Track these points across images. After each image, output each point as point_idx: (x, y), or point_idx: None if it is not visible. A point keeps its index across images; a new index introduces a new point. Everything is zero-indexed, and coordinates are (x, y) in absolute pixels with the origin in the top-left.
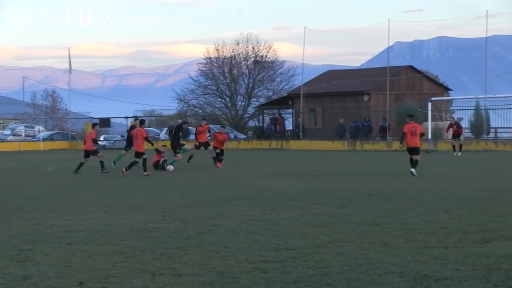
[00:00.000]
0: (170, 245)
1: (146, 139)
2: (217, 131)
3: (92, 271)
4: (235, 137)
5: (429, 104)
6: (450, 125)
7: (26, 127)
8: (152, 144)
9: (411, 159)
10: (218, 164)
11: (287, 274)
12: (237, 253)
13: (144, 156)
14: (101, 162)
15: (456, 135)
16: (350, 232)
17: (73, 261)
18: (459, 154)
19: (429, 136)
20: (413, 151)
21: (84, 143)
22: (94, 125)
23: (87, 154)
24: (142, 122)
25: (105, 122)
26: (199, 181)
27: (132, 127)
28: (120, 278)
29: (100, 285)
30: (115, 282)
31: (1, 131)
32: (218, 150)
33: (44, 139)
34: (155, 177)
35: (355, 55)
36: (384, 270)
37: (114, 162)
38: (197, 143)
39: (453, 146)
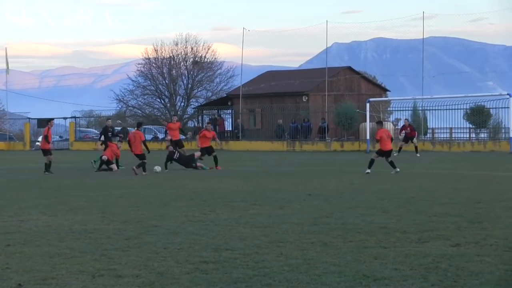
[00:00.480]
0: (110, 246)
1: (144, 142)
2: (206, 128)
3: (31, 273)
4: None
5: (368, 105)
6: (404, 128)
7: None
8: (149, 151)
9: (381, 160)
10: (218, 167)
11: (227, 275)
12: (177, 254)
13: (145, 160)
14: (47, 164)
15: (409, 137)
16: (289, 233)
17: (11, 262)
18: (418, 155)
19: (368, 137)
20: (388, 153)
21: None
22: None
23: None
24: (139, 125)
25: (43, 123)
26: (139, 182)
27: (106, 127)
28: (59, 279)
29: (39, 287)
30: (54, 283)
31: None
32: (215, 153)
33: None
34: (94, 178)
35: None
36: (323, 270)
37: (94, 161)
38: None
39: (400, 148)
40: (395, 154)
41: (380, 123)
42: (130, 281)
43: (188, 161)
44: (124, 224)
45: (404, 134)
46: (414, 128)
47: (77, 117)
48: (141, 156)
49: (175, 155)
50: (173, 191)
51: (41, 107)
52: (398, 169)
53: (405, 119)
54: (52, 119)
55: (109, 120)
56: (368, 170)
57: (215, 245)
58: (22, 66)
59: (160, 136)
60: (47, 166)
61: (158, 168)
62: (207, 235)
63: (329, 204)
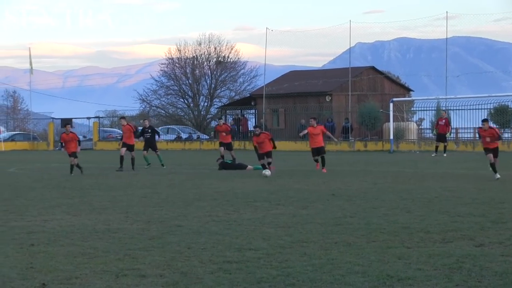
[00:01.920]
0: (133, 246)
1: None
2: (218, 123)
3: (54, 272)
4: (198, 137)
5: (391, 105)
6: (440, 119)
7: None
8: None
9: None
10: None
11: (251, 275)
12: (200, 253)
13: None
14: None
15: (443, 134)
16: (313, 233)
17: (35, 262)
18: (445, 155)
19: (391, 137)
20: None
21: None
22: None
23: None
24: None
25: (67, 123)
26: (162, 182)
27: (144, 128)
28: (83, 279)
29: (63, 286)
30: (78, 283)
31: None
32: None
33: (5, 140)
34: (118, 178)
35: (317, 56)
36: (347, 270)
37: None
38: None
39: (436, 147)
40: (432, 155)
41: (485, 121)
42: (153, 281)
43: (238, 167)
44: (147, 224)
45: (436, 131)
46: (449, 122)
47: (101, 117)
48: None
49: (222, 164)
50: (196, 191)
51: (64, 107)
52: (499, 175)
53: (443, 110)
54: (68, 123)
55: (146, 121)
56: (498, 175)
57: (238, 245)
58: (46, 66)
59: (184, 136)
60: (73, 168)
61: (267, 172)
62: (230, 235)
63: (353, 204)
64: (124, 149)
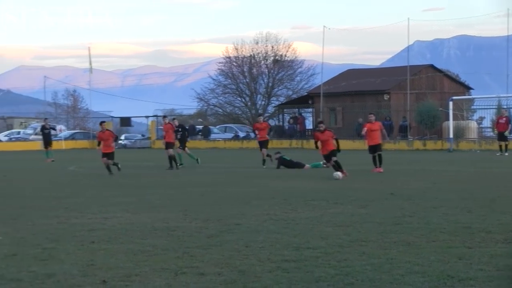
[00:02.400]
0: (192, 244)
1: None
2: (258, 120)
3: (115, 270)
4: (256, 136)
5: (450, 103)
6: (500, 117)
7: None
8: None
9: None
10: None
11: (309, 274)
12: (258, 252)
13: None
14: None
15: (502, 132)
16: (372, 232)
17: (96, 259)
18: (507, 154)
19: (451, 136)
20: None
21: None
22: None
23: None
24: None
25: (126, 122)
26: (220, 180)
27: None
28: (142, 276)
29: (123, 283)
30: (138, 280)
31: (23, 130)
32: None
33: (65, 138)
34: (176, 176)
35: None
36: (406, 270)
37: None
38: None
39: (500, 146)
40: (497, 154)
41: None
42: (212, 279)
43: (296, 165)
44: (205, 222)
45: (497, 130)
46: (510, 121)
47: (159, 116)
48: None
49: (280, 160)
50: (254, 189)
51: (123, 105)
52: None
53: (504, 108)
54: (104, 121)
55: (176, 120)
56: None
57: (296, 244)
58: (105, 66)
59: (241, 134)
60: (110, 168)
61: (338, 175)
62: (288, 234)
63: (412, 203)
64: (171, 150)
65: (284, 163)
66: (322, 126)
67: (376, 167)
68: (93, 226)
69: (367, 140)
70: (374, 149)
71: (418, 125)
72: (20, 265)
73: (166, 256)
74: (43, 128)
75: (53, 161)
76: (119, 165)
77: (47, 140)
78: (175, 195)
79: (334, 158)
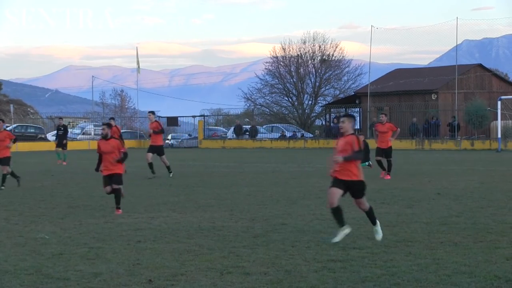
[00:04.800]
0: (238, 244)
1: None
2: (379, 120)
3: (161, 269)
4: (302, 136)
5: (499, 103)
6: None
7: (95, 126)
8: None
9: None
10: (387, 175)
11: (355, 274)
12: (304, 252)
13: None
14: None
15: None
16: (418, 232)
17: (142, 259)
18: None
19: (499, 135)
20: None
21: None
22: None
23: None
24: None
25: (172, 121)
26: (266, 180)
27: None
28: (188, 276)
29: (169, 283)
30: (184, 280)
31: (71, 130)
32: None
33: None
34: (223, 176)
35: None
36: (453, 270)
37: None
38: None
39: None
40: None
41: None
42: (258, 279)
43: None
44: (252, 222)
45: None
46: None
47: (206, 116)
48: None
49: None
50: (300, 189)
51: (170, 105)
52: None
53: None
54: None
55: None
56: None
57: (342, 244)
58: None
59: (288, 134)
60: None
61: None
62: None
63: (459, 203)
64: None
65: (365, 148)
66: (383, 117)
67: (383, 172)
68: (139, 225)
69: (377, 142)
70: (382, 153)
71: (466, 124)
72: (67, 264)
73: (212, 256)
74: (58, 128)
75: (64, 164)
76: (19, 181)
77: (61, 140)
78: (222, 195)
79: (389, 159)
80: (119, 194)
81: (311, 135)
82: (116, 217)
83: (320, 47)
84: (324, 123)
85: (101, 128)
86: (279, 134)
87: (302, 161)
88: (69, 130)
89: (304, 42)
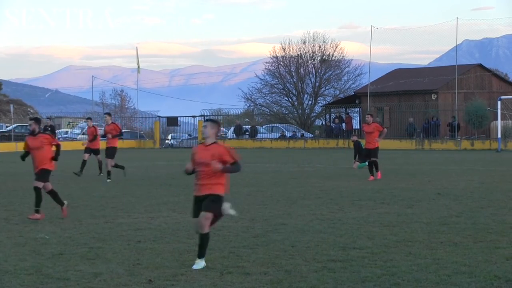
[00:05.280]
0: (238, 244)
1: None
2: (365, 121)
3: (161, 269)
4: (302, 136)
5: (499, 103)
6: None
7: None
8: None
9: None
10: (376, 175)
11: (355, 274)
12: (304, 252)
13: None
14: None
15: None
16: (418, 232)
17: (142, 259)
18: None
19: (499, 135)
20: None
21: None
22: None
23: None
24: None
25: (172, 121)
26: (266, 180)
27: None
28: (188, 276)
29: (169, 283)
30: (184, 280)
31: (71, 130)
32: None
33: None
34: None
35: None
36: (453, 270)
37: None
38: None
39: None
40: None
41: None
42: (258, 279)
43: (363, 155)
44: (251, 222)
45: None
46: None
47: (206, 116)
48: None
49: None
50: (300, 189)
51: (170, 105)
52: None
53: None
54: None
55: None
56: None
57: (342, 244)
58: (152, 65)
59: (288, 134)
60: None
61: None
62: (334, 234)
63: (459, 203)
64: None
65: (358, 148)
66: (369, 118)
67: (372, 175)
68: (139, 225)
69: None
70: (369, 153)
71: (466, 124)
72: (67, 264)
73: (212, 256)
74: (45, 128)
75: None
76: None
77: None
78: None
79: (373, 159)
80: (39, 194)
81: (311, 135)
82: (116, 217)
83: (320, 47)
84: (324, 123)
85: (28, 124)
86: (279, 134)
87: (302, 161)
88: (69, 130)
89: (304, 42)
